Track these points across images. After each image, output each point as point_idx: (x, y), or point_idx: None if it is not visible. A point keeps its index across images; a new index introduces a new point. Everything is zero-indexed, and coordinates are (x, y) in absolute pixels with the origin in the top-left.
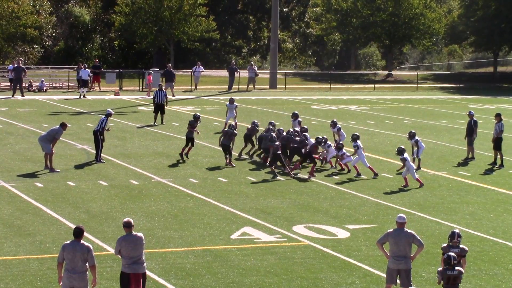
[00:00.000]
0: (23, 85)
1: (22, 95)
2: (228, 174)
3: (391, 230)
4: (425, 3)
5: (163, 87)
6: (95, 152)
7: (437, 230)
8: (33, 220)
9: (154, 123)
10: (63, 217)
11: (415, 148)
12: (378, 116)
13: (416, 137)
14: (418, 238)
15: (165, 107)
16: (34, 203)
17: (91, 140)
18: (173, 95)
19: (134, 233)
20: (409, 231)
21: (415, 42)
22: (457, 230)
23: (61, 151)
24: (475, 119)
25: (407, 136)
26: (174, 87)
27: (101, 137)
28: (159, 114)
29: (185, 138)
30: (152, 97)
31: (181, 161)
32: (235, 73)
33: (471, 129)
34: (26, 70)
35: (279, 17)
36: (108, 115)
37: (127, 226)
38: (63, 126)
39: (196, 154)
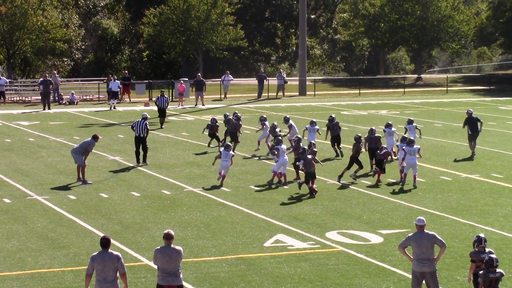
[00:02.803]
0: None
1: (49, 108)
2: (260, 182)
3: (412, 233)
4: (453, 5)
5: (165, 93)
6: (142, 156)
7: (471, 233)
8: (67, 233)
9: (161, 127)
10: (97, 228)
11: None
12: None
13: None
14: (440, 238)
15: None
16: (67, 215)
17: (122, 151)
18: (203, 105)
19: (172, 246)
20: (430, 232)
21: (444, 45)
22: (482, 235)
23: (93, 163)
24: (474, 116)
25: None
26: (205, 96)
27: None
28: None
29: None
30: (181, 107)
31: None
32: (264, 80)
33: (475, 126)
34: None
35: (307, 24)
36: (146, 118)
37: (166, 238)
38: (95, 138)
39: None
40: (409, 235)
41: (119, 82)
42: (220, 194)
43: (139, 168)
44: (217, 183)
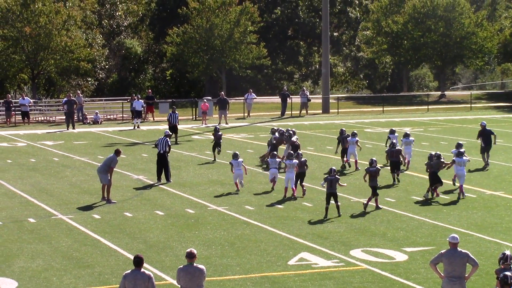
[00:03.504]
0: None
1: (73, 128)
2: (284, 200)
3: (445, 250)
4: (476, 22)
5: (175, 110)
6: (163, 174)
7: (496, 250)
8: (92, 252)
9: (176, 142)
10: (121, 248)
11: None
12: (432, 137)
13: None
14: (473, 257)
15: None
16: (92, 234)
17: (146, 170)
18: (226, 123)
19: (195, 264)
20: (463, 250)
21: (468, 62)
22: (508, 252)
23: (117, 182)
24: (488, 128)
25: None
26: (228, 115)
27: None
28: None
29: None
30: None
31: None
32: (288, 99)
33: (489, 139)
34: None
35: (330, 42)
36: (169, 135)
37: (189, 256)
38: (117, 153)
39: (251, 181)
40: (442, 251)
41: (142, 101)
42: (244, 212)
43: (163, 187)
44: (241, 201)
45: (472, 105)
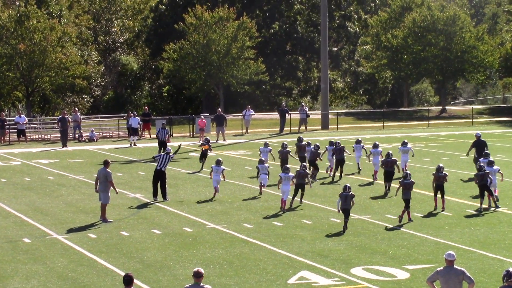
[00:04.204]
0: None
1: (65, 146)
2: (283, 218)
3: (441, 268)
4: (477, 36)
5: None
6: (159, 191)
7: (499, 267)
8: (88, 272)
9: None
10: (118, 267)
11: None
12: (433, 153)
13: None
14: (468, 275)
15: (168, 143)
16: (88, 254)
17: (143, 188)
18: (224, 140)
19: (201, 284)
20: (459, 268)
21: (469, 76)
22: (511, 269)
23: (113, 200)
24: (483, 139)
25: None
26: (226, 132)
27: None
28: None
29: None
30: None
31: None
32: (286, 114)
33: (483, 150)
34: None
35: (329, 57)
36: (169, 152)
37: (196, 276)
38: (106, 164)
39: (250, 199)
40: (438, 269)
41: (139, 118)
42: (243, 230)
43: (159, 205)
44: (239, 219)
45: (474, 120)
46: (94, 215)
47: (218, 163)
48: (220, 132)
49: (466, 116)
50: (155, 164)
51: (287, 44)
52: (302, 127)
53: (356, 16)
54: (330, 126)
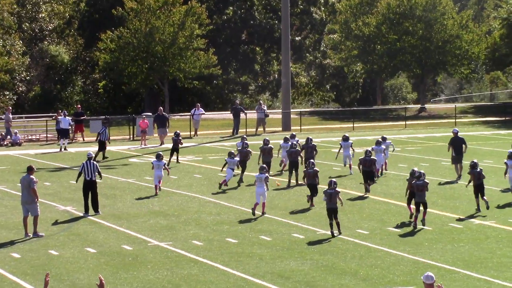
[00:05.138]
0: None
1: None
2: (238, 234)
3: None
4: (460, 23)
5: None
6: (90, 205)
7: None
8: None
9: (102, 159)
10: None
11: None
12: (411, 158)
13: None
14: None
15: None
16: (10, 276)
17: (75, 200)
18: (162, 143)
19: None
20: None
21: (451, 70)
22: None
23: (40, 214)
24: (460, 136)
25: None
26: (168, 133)
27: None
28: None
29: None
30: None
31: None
32: (241, 114)
33: (460, 147)
34: None
35: (291, 47)
36: (91, 157)
37: None
38: (30, 171)
39: (199, 212)
40: None
41: (70, 118)
42: (191, 248)
43: (94, 219)
44: (187, 235)
45: (457, 120)
46: (18, 231)
47: (159, 157)
48: (162, 134)
49: (448, 116)
50: (83, 175)
51: (242, 33)
52: (260, 129)
53: (323, 1)
54: (292, 127)
